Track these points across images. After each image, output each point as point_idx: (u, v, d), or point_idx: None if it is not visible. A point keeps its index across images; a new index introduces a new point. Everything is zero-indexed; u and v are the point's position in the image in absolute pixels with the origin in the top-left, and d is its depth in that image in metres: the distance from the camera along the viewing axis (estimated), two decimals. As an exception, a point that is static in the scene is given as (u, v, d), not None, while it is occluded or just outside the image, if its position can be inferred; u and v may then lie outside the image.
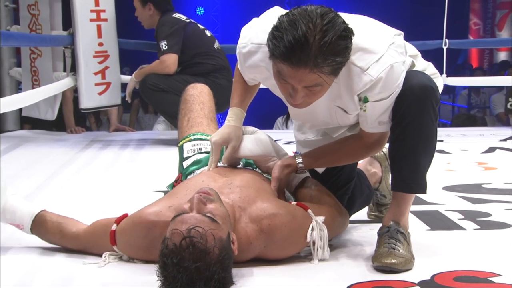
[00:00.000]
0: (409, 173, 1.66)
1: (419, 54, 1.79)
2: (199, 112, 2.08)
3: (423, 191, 1.69)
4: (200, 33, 3.82)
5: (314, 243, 1.62)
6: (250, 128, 1.84)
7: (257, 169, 1.84)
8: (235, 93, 1.85)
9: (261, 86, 1.84)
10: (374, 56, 1.53)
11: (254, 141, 1.80)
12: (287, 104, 1.74)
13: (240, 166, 1.86)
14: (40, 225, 1.71)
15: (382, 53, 1.54)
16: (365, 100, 1.58)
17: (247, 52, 1.66)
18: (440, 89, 1.75)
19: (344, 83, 1.57)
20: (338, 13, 1.48)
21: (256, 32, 1.64)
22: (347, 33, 1.46)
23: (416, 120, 1.61)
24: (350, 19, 1.52)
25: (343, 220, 1.76)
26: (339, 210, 1.75)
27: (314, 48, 1.41)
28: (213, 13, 10.34)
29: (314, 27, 1.41)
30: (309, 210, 1.65)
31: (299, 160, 1.74)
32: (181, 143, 2.03)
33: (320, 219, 1.64)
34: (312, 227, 1.62)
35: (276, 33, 1.44)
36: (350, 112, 1.63)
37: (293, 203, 1.71)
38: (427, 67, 1.77)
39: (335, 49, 1.43)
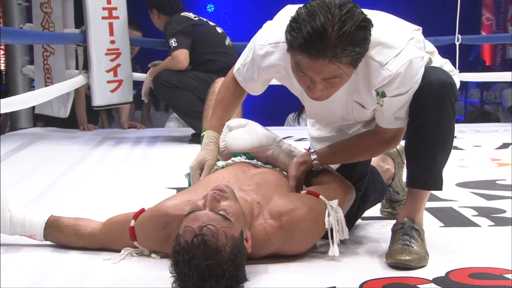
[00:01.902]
0: (426, 169, 1.65)
1: (436, 51, 1.78)
2: None
3: (439, 187, 1.68)
4: (210, 30, 3.82)
5: (331, 229, 1.62)
6: (242, 121, 1.82)
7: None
8: (214, 116, 1.84)
9: (272, 83, 1.83)
10: (393, 51, 1.52)
11: (249, 133, 1.79)
12: (304, 103, 1.73)
13: (238, 160, 1.85)
14: (54, 230, 1.71)
15: (401, 48, 1.53)
16: (383, 95, 1.57)
17: (265, 53, 1.65)
18: (457, 86, 1.74)
19: (362, 78, 1.56)
20: (356, 4, 1.47)
21: (272, 32, 1.64)
22: (366, 24, 1.45)
23: (434, 116, 1.60)
24: (368, 13, 1.51)
25: (351, 194, 1.75)
26: (346, 186, 1.75)
27: (333, 39, 1.40)
28: (224, 10, 10.34)
29: (333, 18, 1.40)
30: (321, 196, 1.65)
31: (313, 156, 1.74)
32: (204, 133, 2.03)
33: (334, 203, 1.64)
34: (328, 213, 1.62)
35: (295, 25, 1.44)
36: (367, 107, 1.62)
37: (303, 192, 1.70)
38: (444, 64, 1.76)
39: (354, 39, 1.42)
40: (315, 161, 1.73)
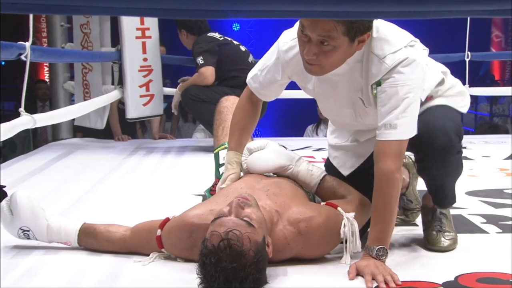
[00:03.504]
0: (442, 199, 1.78)
1: (448, 71, 1.78)
2: None
3: (454, 203, 1.83)
4: (235, 48, 3.84)
5: (346, 239, 1.61)
6: (262, 142, 1.81)
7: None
8: (232, 138, 1.85)
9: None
10: (393, 47, 1.54)
11: (269, 154, 1.78)
12: (317, 100, 1.76)
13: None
14: (87, 237, 1.72)
15: (400, 47, 1.55)
16: (378, 83, 1.56)
17: (288, 48, 1.69)
18: (466, 108, 1.76)
19: (364, 71, 1.57)
20: None
21: (291, 32, 1.69)
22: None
23: (440, 176, 1.72)
24: (380, 22, 1.55)
25: (367, 210, 1.73)
26: (363, 202, 1.73)
27: None
28: (249, 29, 10.39)
29: None
30: (339, 208, 1.64)
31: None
32: (216, 150, 2.04)
33: (351, 215, 1.63)
34: (344, 224, 1.61)
35: None
36: (367, 104, 1.62)
37: (322, 203, 1.70)
38: (456, 84, 1.77)
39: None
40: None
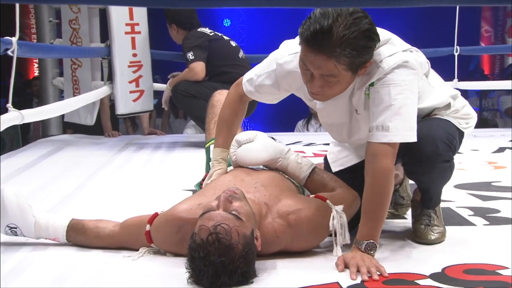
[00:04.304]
0: (427, 201, 1.80)
1: (459, 94, 1.80)
2: None
3: (438, 204, 1.85)
4: (225, 44, 3.84)
5: (335, 232, 1.62)
6: (250, 134, 1.81)
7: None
8: (220, 135, 1.85)
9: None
10: (389, 52, 1.55)
11: (259, 146, 1.78)
12: (317, 112, 1.75)
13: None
14: (75, 233, 1.71)
15: (396, 51, 1.56)
16: (371, 84, 1.56)
17: (284, 62, 1.68)
18: (470, 130, 1.79)
19: (361, 77, 1.57)
20: (368, 15, 1.50)
21: (291, 45, 1.67)
22: (370, 34, 1.48)
23: (427, 176, 1.73)
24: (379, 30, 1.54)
25: (356, 203, 1.74)
26: (352, 194, 1.74)
27: (335, 38, 1.44)
28: (239, 25, 10.37)
29: (341, 21, 1.44)
30: (328, 201, 1.65)
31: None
32: (208, 144, 2.04)
33: (339, 208, 1.64)
34: (333, 216, 1.62)
35: (308, 20, 1.48)
36: (359, 111, 1.62)
37: (311, 196, 1.70)
38: (461, 108, 1.78)
39: (355, 43, 1.45)
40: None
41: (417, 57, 1.62)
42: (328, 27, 1.44)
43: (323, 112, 1.71)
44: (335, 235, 1.63)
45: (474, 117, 1.82)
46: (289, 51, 1.67)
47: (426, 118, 1.73)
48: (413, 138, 1.56)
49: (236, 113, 1.86)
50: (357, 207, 1.76)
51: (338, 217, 1.62)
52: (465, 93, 7.65)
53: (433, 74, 1.77)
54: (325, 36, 1.44)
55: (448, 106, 1.74)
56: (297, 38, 1.60)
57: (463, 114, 1.78)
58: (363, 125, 1.64)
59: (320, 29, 1.44)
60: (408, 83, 1.54)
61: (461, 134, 1.78)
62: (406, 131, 1.55)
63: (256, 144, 1.79)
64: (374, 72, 1.54)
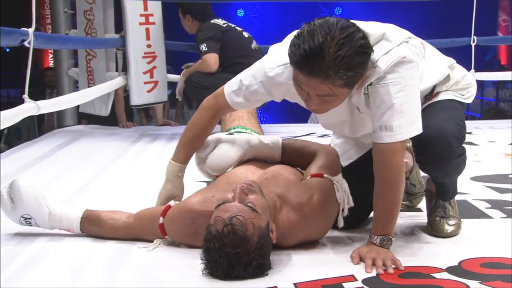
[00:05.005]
0: (443, 194, 1.78)
1: (455, 62, 1.75)
2: None
3: (455, 195, 1.83)
4: (238, 35, 3.83)
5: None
6: (210, 142, 1.80)
7: None
8: (184, 151, 1.79)
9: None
10: (385, 49, 1.49)
11: (227, 148, 1.79)
12: (317, 115, 1.73)
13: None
14: (89, 224, 1.72)
15: (391, 47, 1.49)
16: (370, 84, 1.51)
17: (274, 75, 1.60)
18: (471, 98, 1.76)
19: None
20: (360, 28, 1.43)
21: (281, 55, 1.58)
22: (364, 49, 1.41)
23: (442, 172, 1.71)
24: (366, 25, 1.49)
25: (338, 158, 1.76)
26: (331, 151, 1.77)
27: (327, 60, 1.37)
28: (253, 15, 10.34)
29: (331, 40, 1.37)
30: (325, 175, 1.66)
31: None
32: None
33: (338, 178, 1.66)
34: (337, 189, 1.63)
35: (296, 41, 1.41)
36: (362, 110, 1.59)
37: (308, 178, 1.68)
38: (462, 78, 1.75)
39: (349, 63, 1.38)
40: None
41: (413, 47, 1.55)
42: (318, 48, 1.35)
43: (322, 115, 1.69)
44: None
45: (474, 84, 1.79)
46: (278, 62, 1.59)
47: (431, 105, 1.69)
48: (419, 131, 1.54)
49: (207, 130, 1.80)
50: (339, 160, 1.78)
51: (340, 187, 1.63)
52: (481, 85, 7.61)
53: (427, 47, 1.70)
54: (316, 59, 1.36)
55: (447, 78, 1.70)
56: (285, 43, 1.54)
57: (464, 85, 1.75)
58: (367, 122, 1.62)
59: (310, 51, 1.36)
60: (408, 79, 1.50)
61: (464, 107, 1.78)
62: (410, 127, 1.52)
63: (220, 149, 1.79)
64: (371, 73, 1.49)
